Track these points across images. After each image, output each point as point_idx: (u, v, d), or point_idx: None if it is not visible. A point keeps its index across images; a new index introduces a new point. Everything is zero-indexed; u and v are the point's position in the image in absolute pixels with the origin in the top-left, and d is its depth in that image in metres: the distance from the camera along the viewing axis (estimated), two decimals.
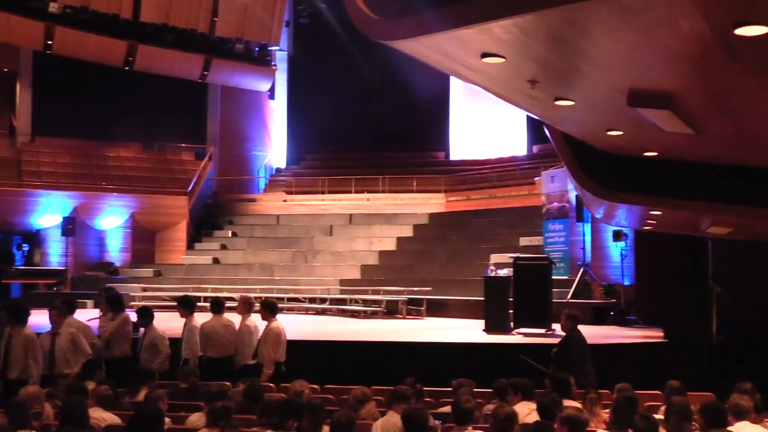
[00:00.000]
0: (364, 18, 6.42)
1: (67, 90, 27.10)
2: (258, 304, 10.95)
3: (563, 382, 7.75)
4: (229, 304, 21.41)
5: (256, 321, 10.72)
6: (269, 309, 10.47)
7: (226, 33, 27.51)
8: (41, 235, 25.29)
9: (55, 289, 23.32)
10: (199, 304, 21.28)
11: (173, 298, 18.73)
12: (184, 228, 26.69)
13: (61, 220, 24.38)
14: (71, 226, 24.16)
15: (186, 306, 10.90)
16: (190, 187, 27.05)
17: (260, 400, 6.67)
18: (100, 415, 6.85)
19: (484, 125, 29.21)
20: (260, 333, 10.50)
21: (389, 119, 29.17)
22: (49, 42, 24.92)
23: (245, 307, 10.78)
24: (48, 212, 24.88)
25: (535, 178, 23.30)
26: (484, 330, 15.71)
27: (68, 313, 10.14)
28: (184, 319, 10.79)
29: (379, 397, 7.80)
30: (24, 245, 25.39)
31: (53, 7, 24.78)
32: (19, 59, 27.33)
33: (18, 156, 26.76)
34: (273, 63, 29.41)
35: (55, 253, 25.16)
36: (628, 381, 7.70)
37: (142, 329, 10.74)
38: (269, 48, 29.01)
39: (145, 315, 10.66)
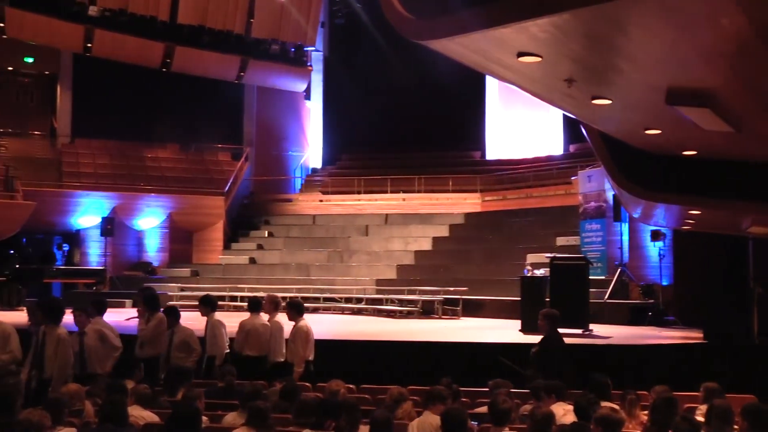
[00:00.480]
0: (400, 18, 6.42)
1: (106, 92, 27.40)
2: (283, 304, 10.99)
3: (601, 384, 7.69)
4: None
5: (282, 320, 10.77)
6: (296, 309, 10.54)
7: (262, 34, 27.65)
8: (81, 235, 25.60)
9: (94, 288, 23.59)
10: (235, 303, 21.62)
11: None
12: (221, 228, 26.86)
13: (100, 220, 24.66)
14: (110, 227, 24.42)
15: (207, 305, 10.96)
16: (226, 188, 27.22)
17: (297, 400, 6.69)
18: (139, 414, 6.92)
19: (520, 124, 29.06)
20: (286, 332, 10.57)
21: (425, 119, 29.11)
22: (89, 45, 25.24)
23: (272, 305, 10.80)
24: (88, 213, 25.17)
25: (572, 178, 23.14)
26: (520, 330, 15.64)
27: (96, 313, 10.14)
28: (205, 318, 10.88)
29: (415, 397, 7.79)
30: (64, 245, 25.73)
31: (92, 11, 25.11)
32: (60, 62, 27.71)
33: (59, 157, 27.10)
34: (309, 63, 29.52)
35: (94, 253, 25.45)
36: (666, 382, 7.62)
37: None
38: (305, 49, 29.12)
39: (172, 314, 10.71)
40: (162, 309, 11.04)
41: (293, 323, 10.43)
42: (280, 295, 20.59)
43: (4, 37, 24.58)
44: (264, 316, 10.78)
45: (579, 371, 9.82)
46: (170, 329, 10.57)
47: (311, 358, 10.31)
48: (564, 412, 6.91)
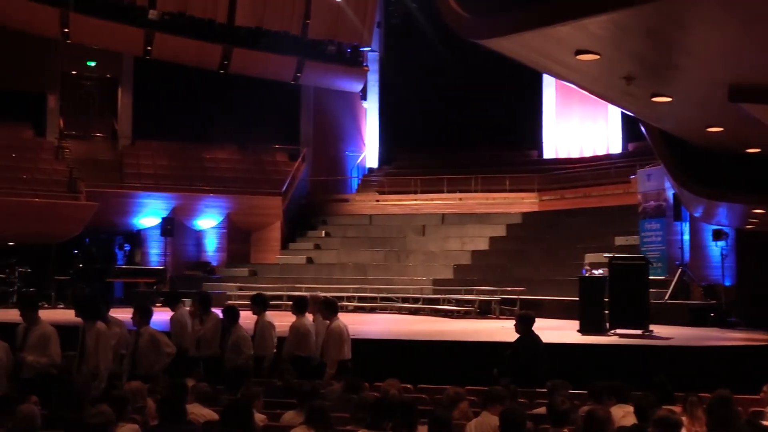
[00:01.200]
0: (457, 17, 6.40)
1: (166, 94, 27.79)
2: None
3: (661, 385, 7.58)
4: None
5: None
6: (331, 308, 10.50)
7: (319, 35, 27.81)
8: (142, 235, 26.03)
9: (155, 287, 23.97)
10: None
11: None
12: (278, 228, 27.07)
13: (160, 220, 25.04)
14: (170, 227, 24.77)
15: (259, 304, 10.96)
16: (284, 188, 27.41)
17: (358, 397, 6.72)
18: (199, 411, 7.00)
19: (578, 123, 28.79)
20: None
21: (481, 118, 28.99)
22: (149, 48, 25.65)
23: (317, 306, 10.84)
24: (148, 213, 25.58)
25: (631, 177, 22.85)
26: (579, 331, 15.48)
27: (144, 323, 10.08)
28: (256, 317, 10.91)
29: (472, 398, 7.76)
30: (126, 245, 26.18)
31: (152, 14, 25.51)
32: (121, 65, 28.18)
33: (120, 159, 27.57)
34: (365, 64, 29.60)
35: (154, 253, 25.86)
36: (730, 385, 7.47)
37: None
38: (361, 49, 29.20)
39: (230, 314, 10.78)
40: (222, 309, 11.11)
41: (327, 322, 10.44)
42: (337, 295, 20.76)
43: (69, 42, 25.10)
44: (309, 317, 10.82)
45: (552, 369, 9.83)
46: (227, 329, 10.63)
47: (348, 358, 10.26)
48: (624, 414, 6.82)
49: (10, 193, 22.44)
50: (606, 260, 16.23)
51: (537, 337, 10.33)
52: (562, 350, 13.58)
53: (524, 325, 10.30)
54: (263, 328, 10.75)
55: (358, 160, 31.19)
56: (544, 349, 10.31)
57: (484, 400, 7.00)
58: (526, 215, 25.80)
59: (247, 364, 10.26)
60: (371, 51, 30.38)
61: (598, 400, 7.45)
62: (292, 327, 10.70)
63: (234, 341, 10.49)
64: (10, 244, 23.19)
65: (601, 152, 28.14)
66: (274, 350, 10.78)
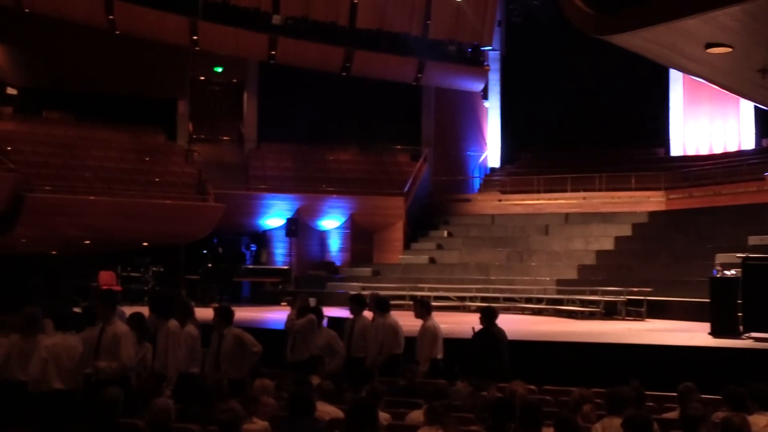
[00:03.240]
0: (581, 14, 6.30)
1: (289, 97, 28.35)
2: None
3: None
4: (444, 303, 21.78)
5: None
6: (425, 307, 10.62)
7: (439, 35, 27.83)
8: (267, 235, 26.63)
9: (280, 287, 24.49)
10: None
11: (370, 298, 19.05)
12: (400, 228, 27.22)
13: (285, 221, 25.54)
14: (294, 227, 25.23)
15: (356, 303, 11.04)
16: (406, 188, 27.53)
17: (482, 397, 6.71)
18: (324, 409, 7.12)
19: (707, 118, 27.89)
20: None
21: (605, 116, 28.42)
22: (273, 52, 26.21)
23: (423, 308, 10.83)
24: (273, 214, 26.14)
25: (765, 174, 22.00)
26: (710, 333, 14.96)
27: (225, 324, 9.73)
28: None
29: (599, 400, 7.62)
30: (252, 245, 26.85)
31: (276, 19, 26.09)
32: (246, 70, 28.94)
33: (246, 161, 28.30)
34: (486, 63, 29.44)
35: (280, 253, 26.42)
36: None
37: None
38: (482, 48, 29.06)
39: (320, 314, 10.91)
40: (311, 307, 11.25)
41: (421, 321, 10.52)
42: (460, 295, 20.77)
43: (197, 49, 25.94)
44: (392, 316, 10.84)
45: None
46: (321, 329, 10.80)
47: (440, 356, 10.36)
48: (767, 423, 6.53)
49: (144, 195, 23.34)
50: (739, 260, 15.63)
51: (499, 331, 10.31)
52: (691, 353, 13.19)
53: (486, 319, 10.30)
54: (366, 329, 10.78)
55: (480, 160, 31.04)
56: (506, 343, 10.32)
57: (610, 402, 6.86)
58: (652, 214, 25.16)
59: (339, 367, 10.29)
60: (492, 50, 30.18)
61: (737, 407, 7.15)
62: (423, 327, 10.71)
63: (326, 342, 10.64)
64: (144, 244, 24.16)
65: (732, 148, 27.19)
66: (394, 350, 10.68)
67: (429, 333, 10.42)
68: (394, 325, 10.71)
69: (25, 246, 22.72)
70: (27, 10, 23.48)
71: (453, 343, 11.06)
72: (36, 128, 25.68)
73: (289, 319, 11.24)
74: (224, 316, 9.80)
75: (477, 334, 10.36)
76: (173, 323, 9.06)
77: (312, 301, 12.47)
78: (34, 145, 24.46)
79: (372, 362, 10.45)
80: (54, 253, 24.60)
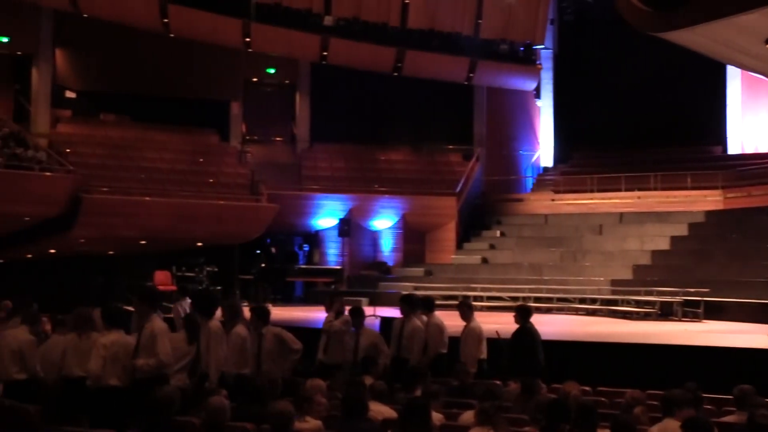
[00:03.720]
0: (636, 11, 6.24)
1: (341, 98, 28.47)
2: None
3: None
4: (496, 303, 21.69)
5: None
6: (469, 308, 10.77)
7: (491, 34, 27.68)
8: (320, 235, 26.77)
9: (333, 287, 24.59)
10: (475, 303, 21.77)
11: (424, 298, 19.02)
12: (453, 228, 27.15)
13: (337, 221, 25.64)
14: (347, 228, 25.28)
15: (407, 304, 10.96)
16: (458, 188, 27.45)
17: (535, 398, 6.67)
18: (377, 408, 7.13)
19: (766, 115, 27.36)
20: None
21: (659, 114, 28.06)
22: (324, 53, 26.31)
23: (467, 309, 10.89)
24: (325, 214, 26.27)
25: None
26: None
27: (262, 324, 9.76)
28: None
29: (653, 402, 7.52)
30: (304, 245, 27.02)
31: (327, 20, 26.17)
32: (298, 71, 29.13)
33: (298, 162, 28.47)
34: (538, 62, 29.20)
35: (332, 253, 26.53)
36: None
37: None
38: (534, 47, 28.85)
39: (357, 315, 10.86)
40: (349, 309, 11.16)
41: (465, 323, 10.64)
42: (512, 295, 20.66)
43: (250, 50, 26.16)
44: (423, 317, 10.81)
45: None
46: (356, 330, 10.75)
47: (483, 357, 10.50)
48: None
49: (198, 196, 23.61)
50: None
51: (534, 329, 10.42)
52: (751, 355, 12.93)
53: (522, 318, 10.42)
54: (416, 330, 10.68)
55: (533, 160, 30.83)
56: (540, 342, 10.39)
57: (667, 404, 6.75)
58: (709, 213, 24.75)
59: (423, 362, 10.28)
60: (544, 49, 29.93)
61: None
62: (466, 329, 10.78)
63: (370, 343, 10.61)
64: (198, 244, 24.44)
65: None
66: (439, 349, 10.66)
67: (474, 334, 10.53)
68: (439, 324, 10.76)
69: (83, 246, 23.14)
70: (85, 15, 23.90)
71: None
72: (93, 130, 26.19)
73: (327, 321, 11.20)
74: (261, 316, 9.86)
75: (515, 333, 10.46)
76: (215, 323, 9.00)
77: (363, 302, 12.44)
78: (92, 146, 24.95)
79: (418, 362, 10.33)
80: (111, 253, 25.03)
